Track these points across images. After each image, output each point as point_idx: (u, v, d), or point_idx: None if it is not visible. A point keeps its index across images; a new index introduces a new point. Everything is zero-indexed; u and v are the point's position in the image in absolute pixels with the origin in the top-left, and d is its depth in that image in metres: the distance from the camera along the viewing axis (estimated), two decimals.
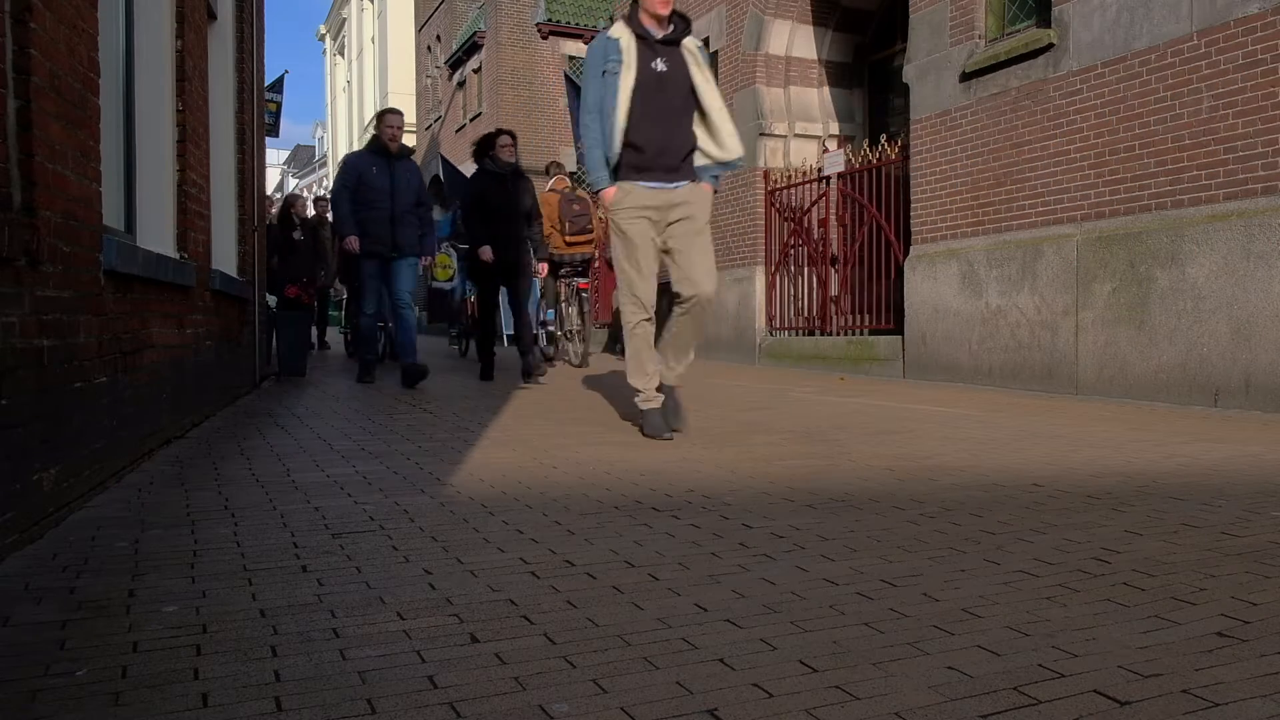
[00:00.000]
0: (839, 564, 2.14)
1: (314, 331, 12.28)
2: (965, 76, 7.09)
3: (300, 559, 2.18)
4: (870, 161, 8.41)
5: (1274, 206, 5.03)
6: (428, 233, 7.14)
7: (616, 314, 12.81)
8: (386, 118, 6.94)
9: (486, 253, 7.03)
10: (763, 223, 9.99)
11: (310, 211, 11.61)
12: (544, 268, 7.91)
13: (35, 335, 2.34)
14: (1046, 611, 1.79)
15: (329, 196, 6.98)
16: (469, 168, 9.40)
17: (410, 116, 28.02)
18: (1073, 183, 6.23)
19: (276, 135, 12.88)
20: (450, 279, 11.36)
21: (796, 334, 9.56)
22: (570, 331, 9.16)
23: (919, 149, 7.61)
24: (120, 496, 2.90)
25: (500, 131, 7.37)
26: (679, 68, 4.14)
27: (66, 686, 1.45)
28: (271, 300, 8.15)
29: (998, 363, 6.76)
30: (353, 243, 6.60)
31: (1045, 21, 6.53)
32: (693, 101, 4.15)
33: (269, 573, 2.06)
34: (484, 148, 7.24)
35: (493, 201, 7.03)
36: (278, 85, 12.49)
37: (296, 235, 9.94)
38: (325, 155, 43.54)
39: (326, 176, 40.33)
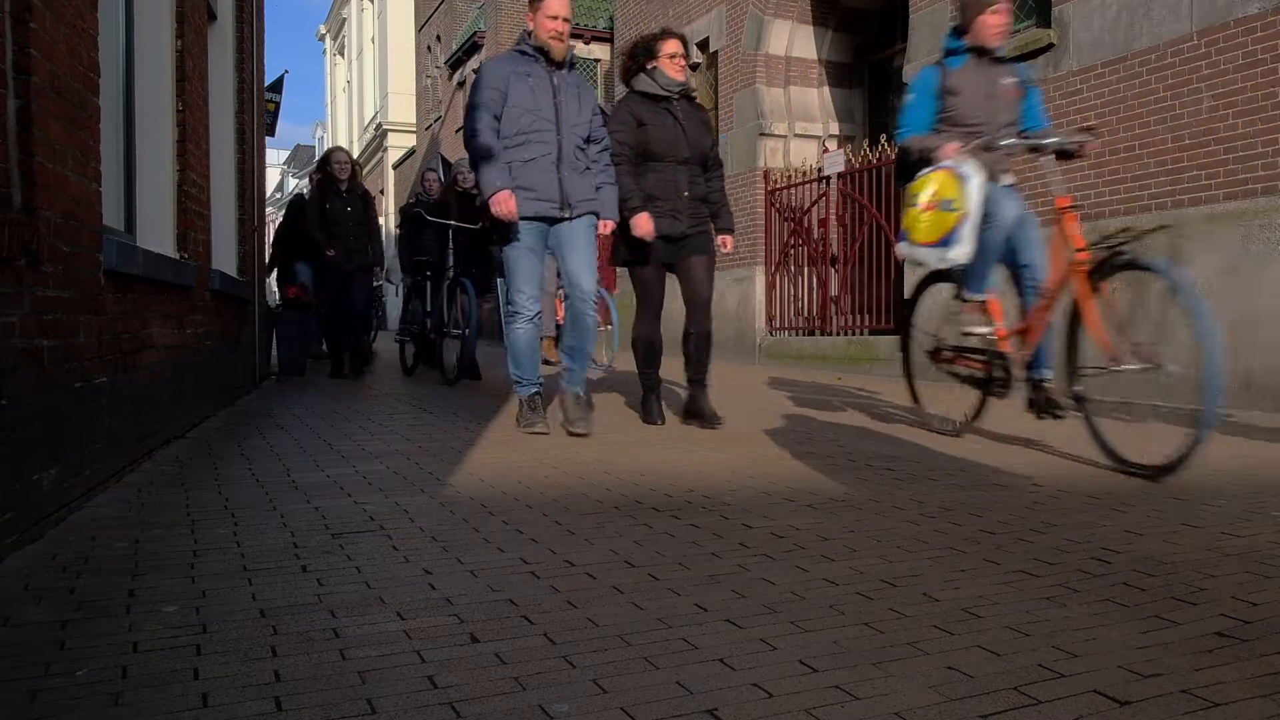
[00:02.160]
0: (839, 564, 2.14)
1: (323, 340, 9.18)
2: None
3: (300, 559, 2.18)
4: (870, 161, 8.41)
5: (1274, 206, 5.03)
6: (607, 184, 4.34)
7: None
8: (548, 5, 4.24)
9: (644, 224, 4.35)
10: (763, 223, 9.99)
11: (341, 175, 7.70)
12: (728, 242, 4.85)
13: (35, 335, 2.34)
14: (1046, 611, 1.79)
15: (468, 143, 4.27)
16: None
17: (410, 116, 28.07)
18: (1072, 182, 6.22)
19: (272, 135, 12.82)
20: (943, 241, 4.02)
21: (796, 334, 9.57)
22: None
23: None
24: (120, 496, 2.90)
25: (667, 34, 4.65)
26: None
27: (66, 686, 1.45)
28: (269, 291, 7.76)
29: None
30: (506, 203, 4.02)
31: (1045, 21, 6.53)
32: None
33: (269, 573, 2.06)
34: (640, 58, 4.59)
35: (656, 141, 4.45)
36: (277, 85, 12.48)
37: (346, 206, 7.44)
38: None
39: None
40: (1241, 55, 5.20)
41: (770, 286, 9.91)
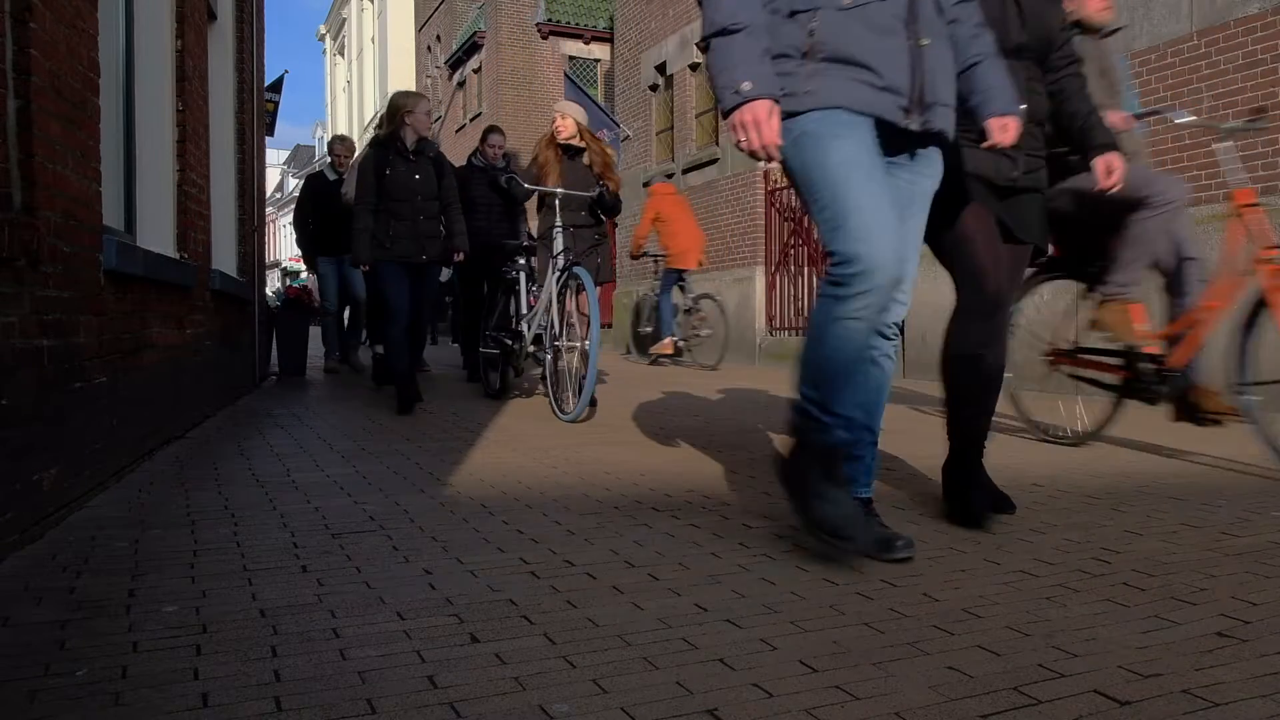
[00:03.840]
0: (839, 564, 2.13)
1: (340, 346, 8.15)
2: None
3: (300, 559, 2.18)
4: None
5: (1274, 206, 5.02)
6: (987, 55, 2.31)
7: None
8: None
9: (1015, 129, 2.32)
10: (763, 223, 9.99)
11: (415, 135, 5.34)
12: (1113, 164, 2.73)
13: (35, 335, 2.34)
14: (1046, 611, 1.79)
15: None
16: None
17: None
18: None
19: (271, 135, 12.81)
20: None
21: (797, 334, 9.57)
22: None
23: None
24: (120, 496, 2.90)
25: None
26: None
27: (66, 686, 1.45)
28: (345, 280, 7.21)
29: None
30: (764, 125, 1.97)
31: None
32: None
33: (269, 573, 2.06)
34: None
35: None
36: (277, 85, 12.47)
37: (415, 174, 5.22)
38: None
39: None
40: (1241, 55, 5.20)
41: (770, 287, 9.92)
